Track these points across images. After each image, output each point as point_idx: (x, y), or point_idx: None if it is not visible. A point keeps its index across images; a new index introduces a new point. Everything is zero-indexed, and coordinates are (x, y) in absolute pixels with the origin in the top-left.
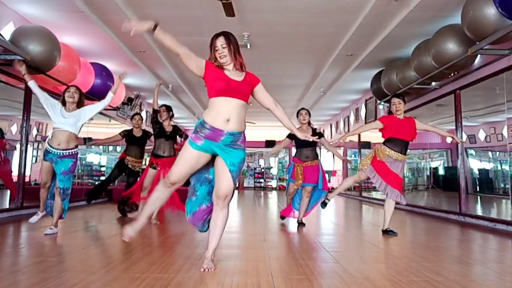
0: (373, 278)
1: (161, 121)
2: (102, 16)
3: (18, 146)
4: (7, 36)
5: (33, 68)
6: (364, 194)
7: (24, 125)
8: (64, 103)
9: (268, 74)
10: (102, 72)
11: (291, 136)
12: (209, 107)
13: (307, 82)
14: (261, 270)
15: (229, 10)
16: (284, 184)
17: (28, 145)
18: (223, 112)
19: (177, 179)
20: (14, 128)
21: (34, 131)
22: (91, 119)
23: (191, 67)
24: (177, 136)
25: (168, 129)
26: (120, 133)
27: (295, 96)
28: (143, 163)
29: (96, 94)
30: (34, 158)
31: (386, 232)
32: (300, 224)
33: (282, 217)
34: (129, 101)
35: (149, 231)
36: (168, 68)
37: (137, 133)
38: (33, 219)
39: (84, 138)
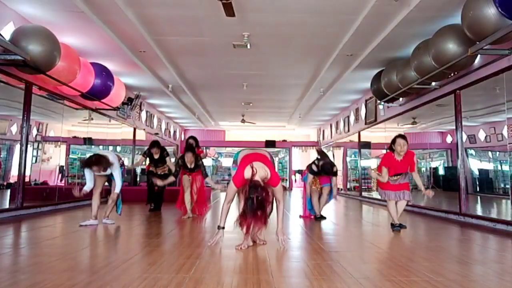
0: (373, 278)
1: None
2: (102, 16)
3: (18, 146)
4: (7, 36)
5: (33, 68)
6: (364, 194)
7: (24, 125)
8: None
9: (268, 74)
10: (102, 72)
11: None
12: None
13: (307, 82)
14: (261, 270)
15: (229, 10)
16: (284, 184)
17: (28, 145)
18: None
19: None
20: (14, 128)
21: (34, 131)
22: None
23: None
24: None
25: (191, 164)
26: (143, 155)
27: (295, 96)
28: (167, 167)
29: (97, 94)
30: (34, 158)
31: (399, 226)
32: (322, 217)
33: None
34: (129, 101)
35: (149, 231)
36: (168, 68)
37: (156, 157)
38: (85, 222)
39: (84, 138)
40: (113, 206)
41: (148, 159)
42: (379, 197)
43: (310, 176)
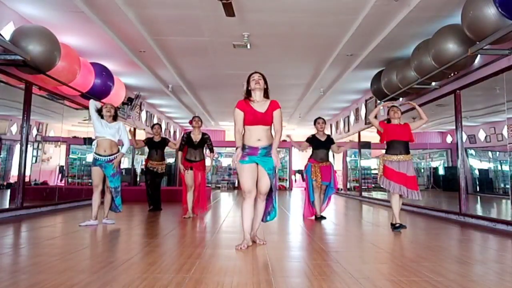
0: (373, 278)
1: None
2: (102, 16)
3: (18, 146)
4: (7, 36)
5: (33, 68)
6: (364, 194)
7: (24, 125)
8: (102, 116)
9: (268, 74)
10: (102, 72)
11: (309, 140)
12: (245, 132)
13: (307, 82)
14: (261, 270)
15: (229, 10)
16: (284, 184)
17: (28, 145)
18: (254, 135)
19: (249, 187)
20: (14, 128)
21: (34, 131)
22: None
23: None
24: (205, 145)
25: (196, 139)
26: (143, 140)
27: (295, 96)
28: (165, 164)
29: (96, 94)
30: (34, 158)
31: (400, 226)
32: (321, 218)
33: (317, 217)
34: (129, 101)
35: (149, 231)
36: (168, 68)
37: (157, 139)
38: (85, 223)
39: (84, 138)
40: (110, 204)
41: (147, 144)
42: (379, 197)
43: (310, 166)
